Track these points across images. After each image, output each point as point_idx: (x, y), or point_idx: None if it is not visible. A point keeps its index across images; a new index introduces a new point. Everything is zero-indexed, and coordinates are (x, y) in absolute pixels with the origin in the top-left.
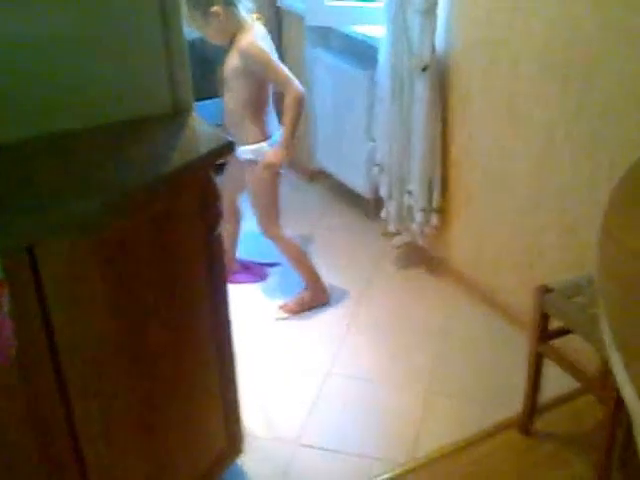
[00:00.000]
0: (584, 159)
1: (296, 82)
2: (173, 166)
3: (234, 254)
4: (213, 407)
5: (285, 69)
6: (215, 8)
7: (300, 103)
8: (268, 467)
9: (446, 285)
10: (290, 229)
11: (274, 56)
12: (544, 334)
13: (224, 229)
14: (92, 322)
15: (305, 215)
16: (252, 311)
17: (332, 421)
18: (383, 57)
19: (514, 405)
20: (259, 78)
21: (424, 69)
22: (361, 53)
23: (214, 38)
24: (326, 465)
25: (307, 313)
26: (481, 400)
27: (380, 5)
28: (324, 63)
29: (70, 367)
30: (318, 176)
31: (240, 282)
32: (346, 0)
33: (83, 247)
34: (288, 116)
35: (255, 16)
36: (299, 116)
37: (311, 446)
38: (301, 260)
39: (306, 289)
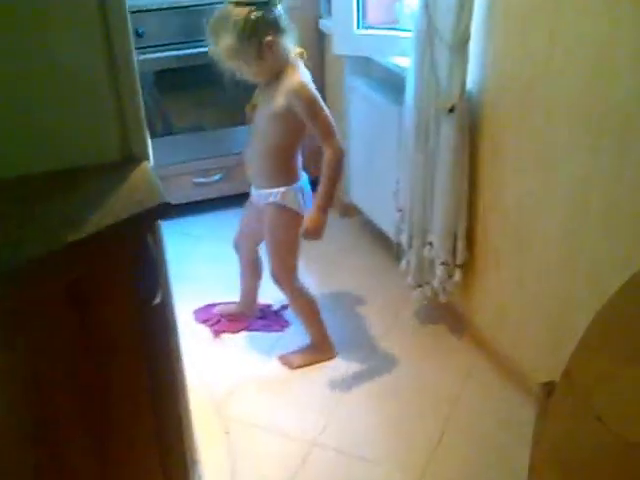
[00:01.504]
0: (622, 230)
1: (339, 138)
2: (85, 232)
3: (253, 302)
4: None
5: (332, 121)
6: (269, 38)
7: (341, 162)
8: None
9: (466, 346)
10: (313, 264)
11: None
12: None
13: (243, 280)
14: None
15: (331, 251)
16: (245, 362)
17: None
18: (409, 94)
19: None
20: (299, 124)
21: (451, 110)
22: (398, 86)
23: (258, 75)
24: None
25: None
26: None
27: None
28: (360, 93)
29: None
30: (350, 211)
31: (256, 330)
32: (378, 29)
33: None
34: (327, 176)
35: (299, 51)
36: (339, 176)
37: None
38: (312, 317)
39: (311, 346)
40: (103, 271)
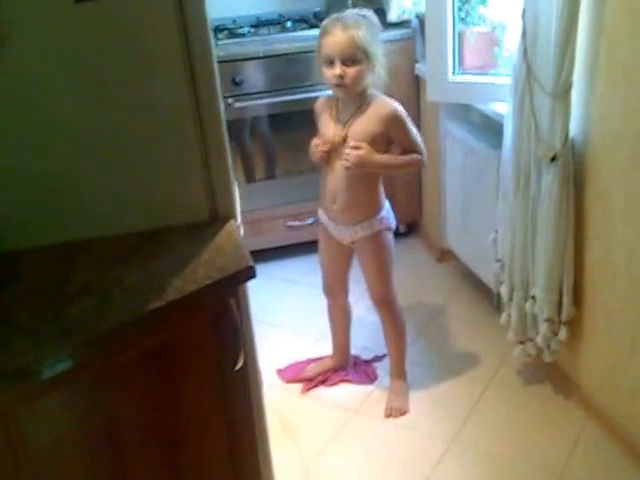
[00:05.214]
0: None
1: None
2: (167, 299)
3: (347, 352)
4: None
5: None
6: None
7: (420, 166)
8: None
9: (574, 411)
10: (408, 312)
11: None
12: None
13: (336, 329)
14: None
15: (428, 299)
16: (336, 419)
17: None
18: (507, 141)
19: None
20: (388, 145)
21: (553, 159)
22: (497, 130)
23: (355, 85)
24: None
25: (400, 430)
26: None
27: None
28: (456, 137)
29: None
30: (447, 256)
31: (348, 381)
32: (474, 75)
33: (47, 402)
34: (403, 158)
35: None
36: (408, 168)
37: None
38: (404, 340)
39: (401, 379)
40: (184, 335)
